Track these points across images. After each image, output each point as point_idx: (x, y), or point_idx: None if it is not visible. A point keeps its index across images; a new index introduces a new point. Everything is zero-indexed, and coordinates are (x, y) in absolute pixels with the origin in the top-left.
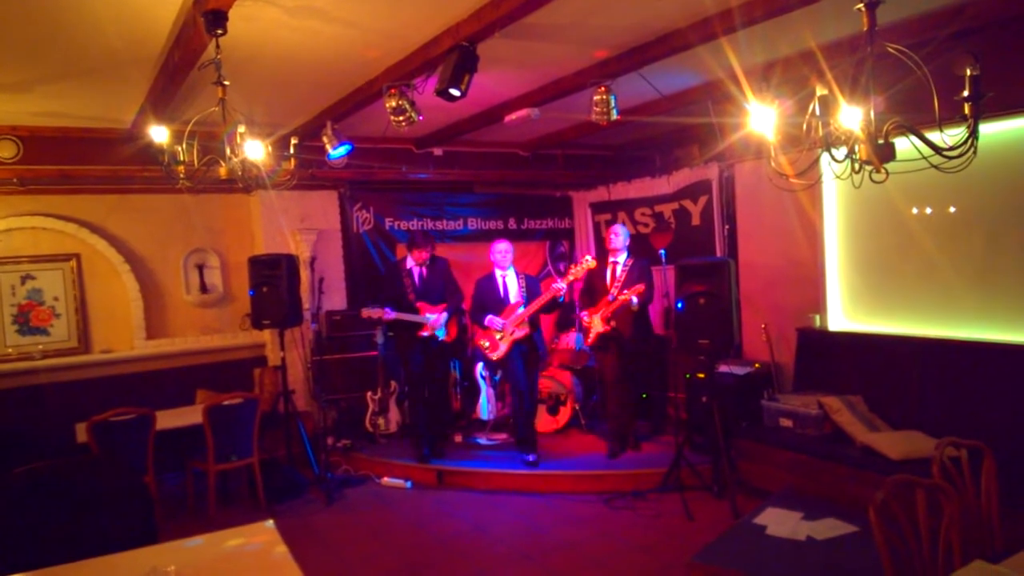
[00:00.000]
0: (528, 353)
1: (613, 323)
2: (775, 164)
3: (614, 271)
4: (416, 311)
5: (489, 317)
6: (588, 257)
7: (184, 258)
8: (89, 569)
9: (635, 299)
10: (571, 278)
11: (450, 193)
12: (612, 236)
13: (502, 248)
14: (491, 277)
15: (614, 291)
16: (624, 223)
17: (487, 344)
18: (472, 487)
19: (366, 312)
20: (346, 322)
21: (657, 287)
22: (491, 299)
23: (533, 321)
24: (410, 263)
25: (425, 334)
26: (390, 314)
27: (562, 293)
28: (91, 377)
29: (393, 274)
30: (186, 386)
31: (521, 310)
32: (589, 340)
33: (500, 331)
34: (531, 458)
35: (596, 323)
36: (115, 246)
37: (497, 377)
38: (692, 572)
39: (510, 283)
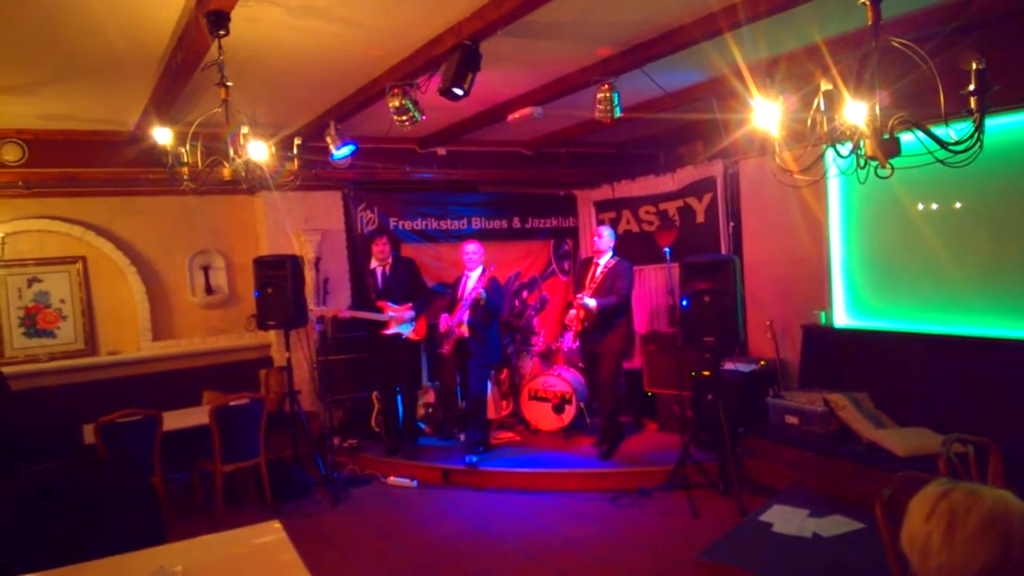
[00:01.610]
0: (467, 356)
1: (587, 323)
2: (779, 160)
3: (593, 272)
4: (378, 311)
5: (443, 315)
6: (492, 265)
7: (189, 259)
8: (97, 569)
9: (587, 301)
10: (482, 284)
11: (454, 192)
12: (596, 239)
13: (469, 249)
14: (460, 276)
15: (583, 293)
16: (612, 225)
17: (439, 340)
18: (478, 486)
19: (318, 310)
20: (351, 322)
21: (662, 285)
22: (453, 297)
23: (476, 325)
24: (373, 263)
25: (388, 332)
26: (345, 312)
27: (481, 297)
28: (98, 379)
29: (363, 275)
30: (192, 387)
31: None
32: (573, 338)
33: (446, 329)
34: (471, 459)
35: (575, 321)
36: (121, 248)
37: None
38: (699, 570)
39: (469, 284)
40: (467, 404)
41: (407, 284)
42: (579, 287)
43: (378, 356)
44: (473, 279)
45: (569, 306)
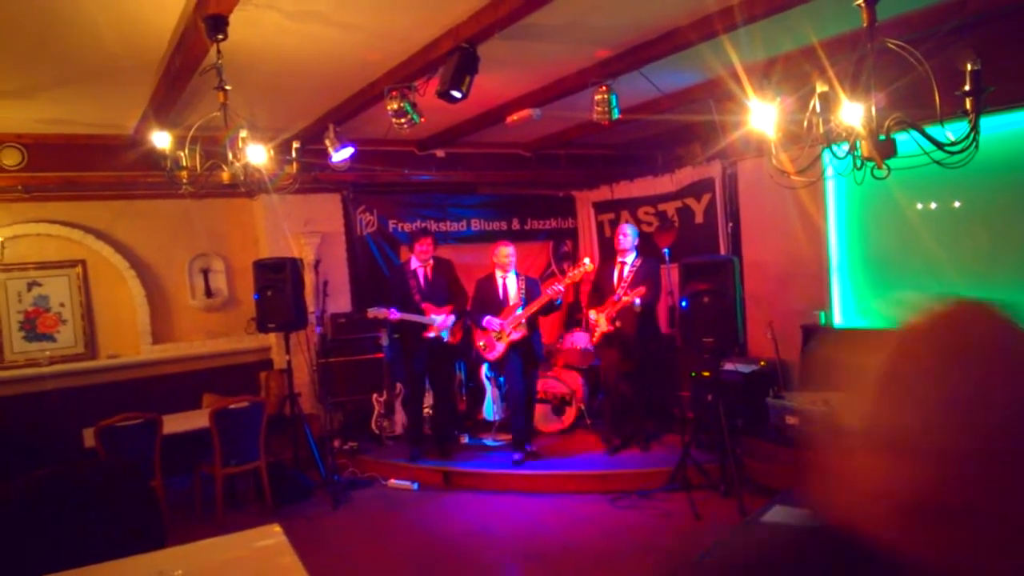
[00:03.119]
0: (525, 355)
1: (618, 323)
2: (776, 162)
3: (621, 271)
4: (422, 312)
5: (487, 318)
6: (586, 260)
7: (189, 263)
8: (97, 574)
9: (637, 301)
10: (568, 281)
11: (453, 194)
12: (621, 237)
13: (506, 252)
14: (491, 278)
15: (619, 292)
16: (630, 222)
17: (484, 344)
18: (478, 488)
19: (372, 312)
20: (351, 325)
21: (662, 286)
22: (490, 300)
23: (531, 323)
24: (414, 264)
25: (431, 335)
26: (395, 314)
27: (559, 296)
28: (98, 383)
29: (399, 276)
30: (192, 390)
31: (519, 312)
32: (594, 339)
33: (497, 332)
34: (517, 456)
35: (601, 322)
36: (120, 252)
37: (502, 379)
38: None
39: (510, 284)
40: (521, 400)
41: (448, 284)
42: (605, 288)
43: (414, 358)
44: (512, 282)
45: (592, 299)
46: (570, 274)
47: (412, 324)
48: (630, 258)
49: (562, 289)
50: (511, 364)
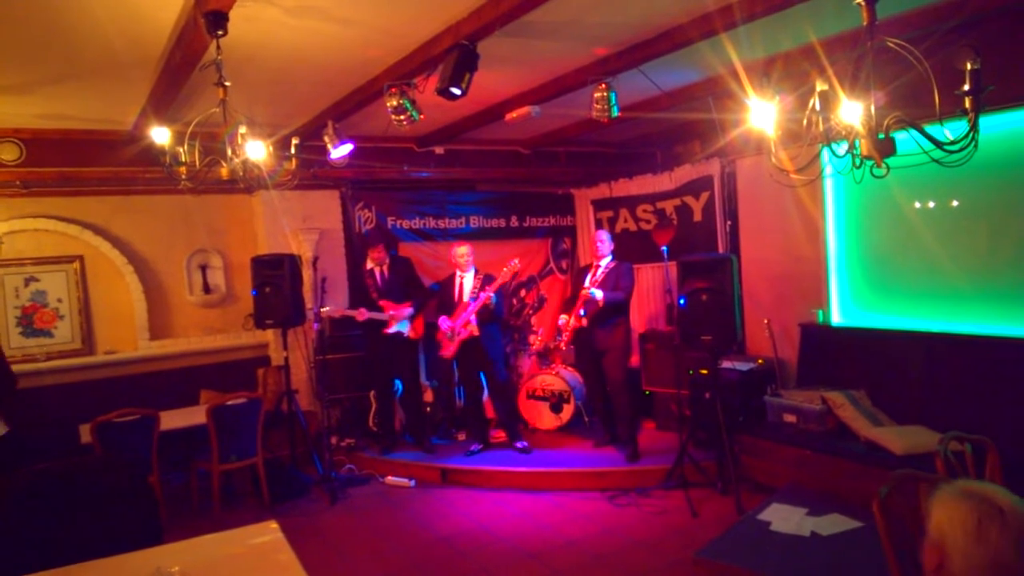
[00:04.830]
0: (477, 353)
1: (584, 319)
2: (776, 160)
3: (595, 273)
4: (380, 310)
5: (441, 317)
6: (515, 261)
7: (187, 259)
8: (94, 570)
9: (595, 292)
10: (498, 283)
11: (452, 191)
12: (598, 244)
13: (462, 252)
14: (451, 277)
15: (588, 286)
16: (610, 224)
17: (441, 342)
18: (476, 485)
19: (325, 312)
20: (348, 321)
21: (660, 284)
22: (448, 299)
23: (482, 322)
24: (369, 264)
25: (390, 331)
26: (364, 314)
27: (491, 301)
28: (95, 378)
29: (361, 276)
30: (190, 386)
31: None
32: (564, 341)
33: (449, 331)
34: (475, 447)
35: (571, 321)
36: (118, 247)
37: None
38: (697, 568)
39: (466, 284)
40: (495, 400)
41: (405, 283)
42: (577, 289)
43: (379, 355)
44: (469, 280)
45: (566, 304)
46: (498, 277)
47: (373, 322)
48: (604, 261)
49: (491, 294)
50: (466, 362)
